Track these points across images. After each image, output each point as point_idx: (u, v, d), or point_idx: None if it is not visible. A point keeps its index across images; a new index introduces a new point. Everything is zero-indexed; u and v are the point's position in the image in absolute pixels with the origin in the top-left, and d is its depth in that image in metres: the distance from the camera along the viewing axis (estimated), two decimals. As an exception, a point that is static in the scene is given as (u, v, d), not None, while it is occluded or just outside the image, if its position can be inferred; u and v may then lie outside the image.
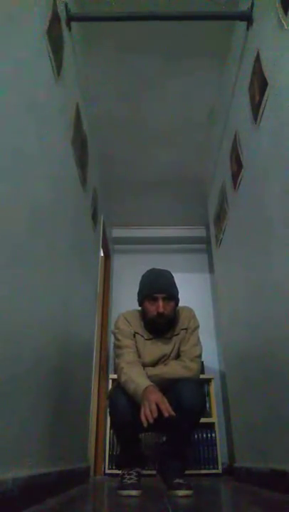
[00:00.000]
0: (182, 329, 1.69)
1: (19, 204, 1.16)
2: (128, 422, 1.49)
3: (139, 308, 1.75)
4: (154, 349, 1.65)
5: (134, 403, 1.45)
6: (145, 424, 1.31)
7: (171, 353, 1.66)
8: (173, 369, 1.59)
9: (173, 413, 1.32)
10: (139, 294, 1.72)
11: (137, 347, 1.65)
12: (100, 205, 3.06)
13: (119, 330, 1.68)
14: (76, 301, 2.07)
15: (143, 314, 1.70)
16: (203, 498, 1.46)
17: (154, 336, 1.68)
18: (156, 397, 1.36)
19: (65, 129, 1.83)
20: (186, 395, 1.48)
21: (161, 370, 1.59)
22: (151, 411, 1.32)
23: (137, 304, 1.76)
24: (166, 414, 1.31)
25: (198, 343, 1.68)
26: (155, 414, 1.31)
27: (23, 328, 1.17)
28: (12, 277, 1.09)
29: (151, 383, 1.44)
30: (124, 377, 1.51)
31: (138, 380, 1.46)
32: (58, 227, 1.65)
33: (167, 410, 1.32)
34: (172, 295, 1.65)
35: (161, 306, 1.61)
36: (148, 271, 1.77)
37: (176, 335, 1.69)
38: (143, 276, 1.76)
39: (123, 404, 1.49)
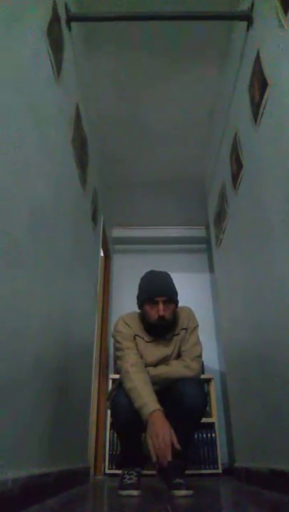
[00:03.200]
0: (182, 329, 1.69)
1: (19, 204, 1.16)
2: (130, 422, 1.49)
3: (138, 310, 1.75)
4: (155, 351, 1.65)
5: None
6: (155, 461, 1.31)
7: (172, 353, 1.66)
8: (174, 369, 1.59)
9: (178, 447, 1.32)
10: (138, 297, 1.71)
11: (137, 349, 1.64)
12: (100, 205, 3.06)
13: (119, 332, 1.67)
14: (76, 301, 2.07)
15: (143, 317, 1.70)
16: (203, 498, 1.46)
17: (154, 338, 1.67)
18: (165, 431, 1.34)
19: (65, 129, 1.83)
20: (188, 394, 1.48)
21: (162, 370, 1.59)
22: (165, 453, 1.30)
23: (135, 304, 1.75)
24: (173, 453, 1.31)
25: (198, 342, 1.68)
26: (169, 458, 1.30)
27: (23, 328, 1.17)
28: (12, 277, 1.09)
29: (159, 406, 1.41)
30: (129, 384, 1.48)
31: (145, 397, 1.43)
32: (57, 227, 1.65)
33: (176, 447, 1.32)
34: (172, 298, 1.65)
35: (161, 309, 1.60)
36: (146, 274, 1.76)
37: (177, 335, 1.69)
38: (142, 279, 1.75)
39: (125, 404, 1.48)
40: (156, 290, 1.63)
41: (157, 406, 1.40)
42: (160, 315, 1.60)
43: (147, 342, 1.67)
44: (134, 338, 1.66)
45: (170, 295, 1.64)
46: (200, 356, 1.64)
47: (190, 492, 1.42)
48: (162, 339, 1.67)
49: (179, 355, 1.67)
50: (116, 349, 1.66)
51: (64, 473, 1.57)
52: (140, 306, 1.70)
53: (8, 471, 0.99)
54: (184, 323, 1.70)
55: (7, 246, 1.06)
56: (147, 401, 1.41)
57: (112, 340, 3.57)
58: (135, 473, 1.57)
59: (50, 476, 1.34)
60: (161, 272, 1.74)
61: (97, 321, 2.84)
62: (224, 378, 3.09)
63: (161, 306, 1.60)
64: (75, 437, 1.99)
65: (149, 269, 1.80)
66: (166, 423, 1.37)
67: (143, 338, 1.67)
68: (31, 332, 1.26)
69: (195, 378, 1.58)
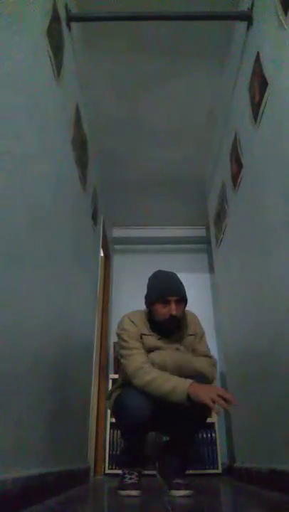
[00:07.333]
0: (189, 335, 1.68)
1: (19, 204, 1.16)
2: (143, 422, 1.47)
3: (142, 309, 1.73)
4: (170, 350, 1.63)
5: (150, 403, 1.45)
6: (225, 406, 1.32)
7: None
8: (198, 360, 1.59)
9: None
10: (149, 296, 1.68)
11: (148, 347, 1.61)
12: (100, 205, 3.06)
13: (125, 331, 1.63)
14: (76, 301, 2.07)
15: (150, 316, 1.67)
16: (203, 498, 1.46)
17: (161, 338, 1.65)
18: (218, 388, 1.41)
19: (65, 129, 1.83)
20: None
21: (181, 357, 1.57)
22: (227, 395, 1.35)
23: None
24: (234, 402, 1.34)
25: (208, 350, 1.70)
26: (235, 401, 1.35)
27: (23, 328, 1.17)
28: (12, 277, 1.09)
29: (192, 381, 1.43)
30: (147, 377, 1.47)
31: (174, 378, 1.44)
32: (57, 227, 1.65)
33: (232, 399, 1.35)
34: (184, 298, 1.64)
35: (174, 308, 1.59)
36: (156, 273, 1.74)
37: (184, 339, 1.67)
38: (151, 278, 1.73)
39: (140, 404, 1.46)
40: (169, 289, 1.62)
41: (190, 380, 1.42)
42: (172, 314, 1.58)
43: (158, 340, 1.64)
44: (141, 337, 1.63)
45: (182, 295, 1.63)
46: (214, 365, 1.65)
47: (190, 492, 1.42)
48: (170, 340, 1.65)
49: None
50: (121, 347, 1.62)
51: (64, 473, 1.57)
52: (150, 304, 1.67)
53: (8, 471, 0.99)
54: (191, 328, 1.70)
55: (7, 246, 1.06)
56: (178, 380, 1.43)
57: (112, 341, 3.56)
58: (136, 473, 1.57)
59: (50, 476, 1.34)
60: (170, 272, 1.73)
61: (97, 321, 2.84)
62: (224, 378, 3.09)
63: (173, 305, 1.59)
64: (75, 437, 1.99)
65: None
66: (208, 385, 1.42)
67: (152, 336, 1.64)
68: (31, 332, 1.26)
69: (203, 380, 1.56)
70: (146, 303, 1.70)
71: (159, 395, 1.43)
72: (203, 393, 1.35)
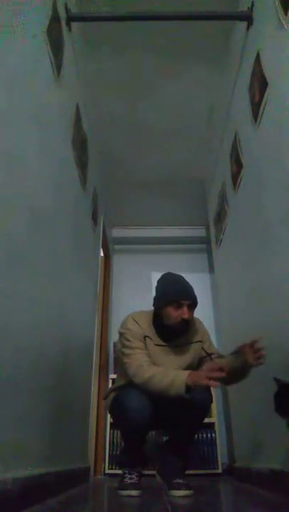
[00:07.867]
0: (197, 341, 1.67)
1: (19, 204, 1.16)
2: (144, 423, 1.47)
3: (148, 310, 1.71)
4: (173, 358, 1.62)
5: (149, 403, 1.46)
6: (220, 375, 1.36)
7: (192, 362, 1.64)
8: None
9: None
10: (160, 298, 1.64)
11: (150, 351, 1.59)
12: (100, 205, 3.06)
13: (128, 330, 1.61)
14: (76, 301, 2.06)
15: (158, 319, 1.65)
16: (203, 498, 1.46)
17: (166, 344, 1.63)
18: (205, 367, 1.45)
19: (65, 129, 1.83)
20: (197, 396, 1.45)
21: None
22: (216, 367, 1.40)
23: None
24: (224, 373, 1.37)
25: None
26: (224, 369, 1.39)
27: (23, 328, 1.17)
28: (12, 277, 1.09)
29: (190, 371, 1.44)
30: (147, 374, 1.46)
31: (172, 371, 1.45)
32: (58, 227, 1.65)
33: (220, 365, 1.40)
34: (196, 303, 1.64)
35: (186, 312, 1.57)
36: (167, 276, 1.72)
37: (193, 343, 1.66)
38: (162, 281, 1.71)
39: (140, 405, 1.46)
40: (183, 293, 1.61)
41: (188, 371, 1.43)
42: (184, 318, 1.57)
43: (156, 345, 1.62)
44: (144, 339, 1.61)
45: (195, 299, 1.63)
46: None
47: (190, 492, 1.42)
48: (173, 346, 1.63)
49: (198, 366, 1.66)
50: (123, 346, 1.60)
51: (64, 473, 1.56)
52: (160, 307, 1.63)
53: (8, 471, 0.99)
54: (198, 334, 1.69)
55: (7, 246, 1.06)
56: (176, 373, 1.43)
57: (112, 341, 3.56)
58: (136, 473, 1.56)
59: (50, 476, 1.34)
60: (179, 275, 1.71)
61: (97, 321, 2.84)
62: (224, 378, 3.09)
63: (186, 309, 1.58)
64: (75, 437, 1.99)
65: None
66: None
67: (152, 341, 1.62)
68: (31, 332, 1.26)
69: None
70: (154, 305, 1.67)
71: (159, 390, 1.42)
72: (199, 377, 1.36)
